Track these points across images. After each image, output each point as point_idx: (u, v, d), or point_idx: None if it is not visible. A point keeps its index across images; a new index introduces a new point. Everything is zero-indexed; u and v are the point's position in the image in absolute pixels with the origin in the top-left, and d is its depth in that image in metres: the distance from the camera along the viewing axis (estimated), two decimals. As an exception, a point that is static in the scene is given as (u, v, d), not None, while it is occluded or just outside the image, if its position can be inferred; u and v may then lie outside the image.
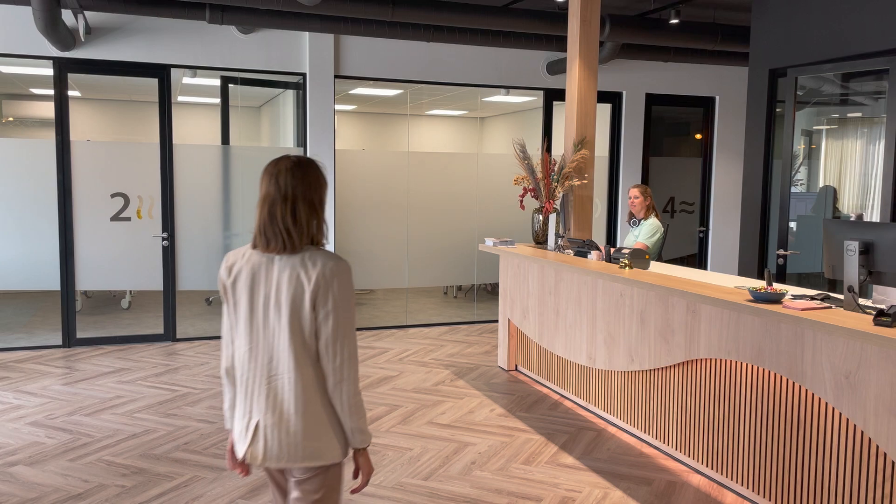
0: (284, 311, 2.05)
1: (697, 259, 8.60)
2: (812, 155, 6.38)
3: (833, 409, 3.04)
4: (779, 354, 3.25)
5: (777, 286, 3.65)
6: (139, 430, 4.48)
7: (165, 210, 6.62)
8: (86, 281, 6.52)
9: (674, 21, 6.32)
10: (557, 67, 7.55)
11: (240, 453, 2.12)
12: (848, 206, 6.15)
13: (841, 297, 3.56)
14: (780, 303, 3.20)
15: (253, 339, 2.10)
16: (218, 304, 8.02)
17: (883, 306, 3.13)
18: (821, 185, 6.42)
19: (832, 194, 6.55)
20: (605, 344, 4.57)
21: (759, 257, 6.32)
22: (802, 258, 5.92)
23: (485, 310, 8.21)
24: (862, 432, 2.92)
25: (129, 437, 4.36)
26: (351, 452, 2.28)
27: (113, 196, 6.51)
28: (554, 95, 7.80)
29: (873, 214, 5.90)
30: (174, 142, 6.63)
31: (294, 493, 2.14)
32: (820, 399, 3.10)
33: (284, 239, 2.07)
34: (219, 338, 6.94)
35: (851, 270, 3.13)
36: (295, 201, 2.07)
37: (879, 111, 6.54)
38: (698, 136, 8.87)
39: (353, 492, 2.19)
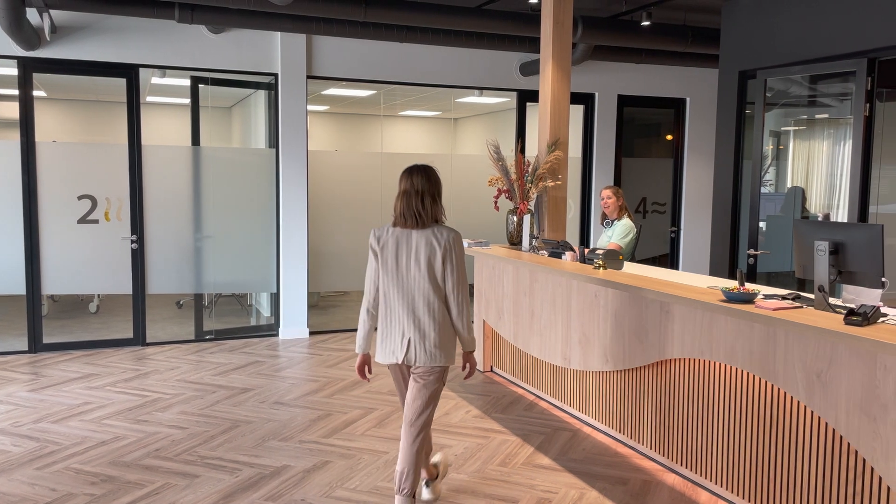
0: (423, 266, 3.16)
1: (669, 259, 8.68)
2: (780, 156, 6.47)
3: (805, 407, 3.08)
4: (751, 354, 3.28)
5: (749, 286, 3.69)
6: (108, 436, 4.39)
7: (134, 212, 6.51)
8: (52, 285, 6.38)
9: (645, 23, 6.37)
10: (530, 69, 7.57)
11: (390, 360, 3.22)
12: (815, 206, 6.25)
13: (811, 296, 3.61)
14: (753, 303, 3.23)
15: (399, 286, 3.19)
16: (188, 308, 7.90)
17: (853, 305, 3.17)
18: (788, 185, 6.51)
19: (800, 195, 6.65)
20: (580, 344, 4.58)
21: (729, 257, 6.39)
22: (772, 257, 6.00)
23: (459, 311, 8.19)
24: (833, 430, 2.96)
25: (97, 444, 4.27)
26: (462, 357, 3.36)
27: (80, 198, 6.38)
28: (527, 96, 7.82)
29: (839, 214, 6.01)
30: (143, 143, 6.52)
31: (419, 383, 3.20)
32: (792, 398, 3.14)
33: (417, 219, 3.18)
34: (190, 341, 6.84)
35: (822, 270, 3.17)
36: (423, 195, 3.19)
37: (845, 112, 6.66)
38: (669, 137, 8.96)
39: (466, 378, 3.35)
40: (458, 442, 4.34)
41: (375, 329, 3.34)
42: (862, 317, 2.78)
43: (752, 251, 5.91)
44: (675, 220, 8.61)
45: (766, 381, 3.26)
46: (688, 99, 8.45)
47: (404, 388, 3.33)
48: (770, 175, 6.48)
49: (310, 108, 10.19)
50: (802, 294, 3.61)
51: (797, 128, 6.63)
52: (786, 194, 6.65)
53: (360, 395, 5.25)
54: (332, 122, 11.18)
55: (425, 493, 3.53)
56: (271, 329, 7.19)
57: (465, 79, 7.53)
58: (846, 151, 6.35)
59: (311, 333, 7.21)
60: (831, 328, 2.77)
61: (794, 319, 2.92)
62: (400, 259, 3.19)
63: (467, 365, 3.34)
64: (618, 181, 8.23)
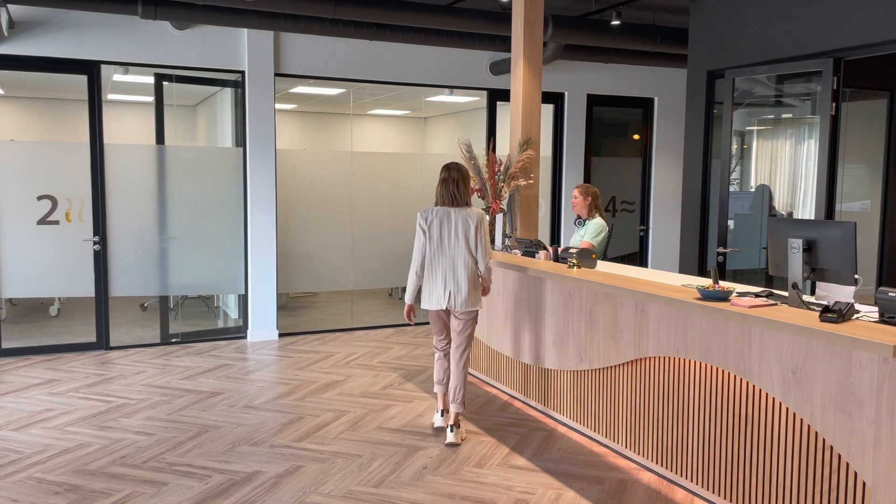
0: (461, 238, 4.28)
1: (638, 257, 8.74)
2: (744, 155, 6.55)
3: (780, 404, 3.09)
4: (726, 351, 3.29)
5: (723, 284, 3.70)
6: (72, 444, 4.25)
7: (96, 213, 6.33)
8: (11, 288, 6.18)
9: (615, 22, 6.39)
10: (501, 67, 7.55)
11: (436, 306, 4.36)
12: (779, 204, 6.35)
13: (785, 293, 3.64)
14: (728, 301, 3.24)
15: (443, 252, 4.30)
16: (153, 311, 7.71)
17: (825, 302, 3.20)
18: (752, 184, 6.59)
19: (767, 193, 6.74)
20: (555, 344, 4.56)
21: (699, 255, 6.45)
22: (740, 255, 6.07)
23: (430, 311, 8.15)
24: (809, 426, 2.98)
25: (61, 452, 4.13)
26: (482, 292, 4.47)
27: (40, 198, 6.18)
28: (498, 96, 7.80)
29: (802, 212, 6.12)
30: (105, 141, 6.34)
31: (461, 321, 4.36)
32: (767, 395, 3.15)
33: (454, 199, 4.31)
34: (155, 345, 6.67)
35: (795, 267, 3.19)
36: (458, 182, 4.32)
37: (807, 112, 6.77)
38: (636, 137, 9.03)
39: (483, 295, 4.48)
40: (434, 444, 4.29)
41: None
42: (837, 314, 2.80)
43: (721, 249, 5.97)
44: (644, 218, 8.67)
45: (741, 379, 3.27)
46: (656, 98, 8.51)
47: (443, 328, 4.51)
48: (735, 174, 6.56)
49: (278, 106, 10.06)
50: (776, 292, 3.64)
51: (761, 127, 6.72)
52: (753, 193, 6.73)
53: (332, 397, 5.17)
54: (301, 121, 11.04)
55: (453, 437, 4.29)
56: (239, 331, 7.06)
57: (436, 77, 7.48)
58: (809, 150, 6.47)
59: (281, 335, 7.10)
60: (807, 325, 2.78)
61: (770, 317, 2.93)
62: (444, 232, 4.31)
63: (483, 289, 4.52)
64: (587, 180, 8.26)
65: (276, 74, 6.83)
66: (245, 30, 6.63)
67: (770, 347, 3.07)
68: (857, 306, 3.03)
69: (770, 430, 3.15)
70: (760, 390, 3.18)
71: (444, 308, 4.33)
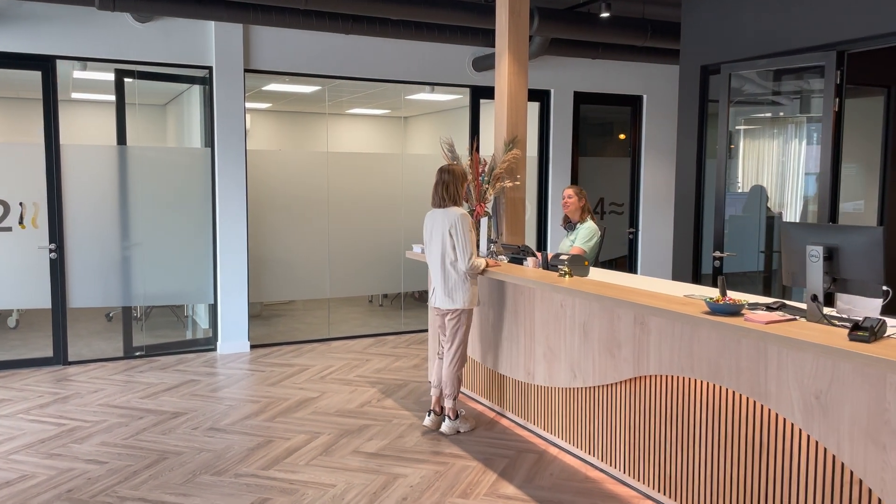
0: (440, 237, 4.38)
1: (628, 261, 8.43)
2: (731, 155, 6.30)
3: (801, 431, 2.77)
4: (739, 372, 2.96)
5: (732, 295, 3.37)
6: (14, 475, 3.84)
7: (53, 218, 5.90)
8: (-41, 300, 5.74)
9: (604, 14, 6.06)
10: (484, 63, 7.21)
11: (431, 304, 4.54)
12: (770, 205, 6.13)
13: (799, 305, 3.32)
14: (741, 315, 2.91)
15: (430, 252, 4.47)
16: (118, 321, 7.28)
17: (848, 316, 2.88)
18: (739, 184, 6.33)
19: (763, 194, 6.45)
20: (545, 358, 4.22)
21: (693, 259, 6.14)
22: (734, 258, 5.76)
23: (413, 318, 7.79)
24: (834, 457, 2.65)
25: (1, 484, 3.72)
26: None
27: (-10, 203, 5.75)
28: (481, 93, 7.45)
29: (791, 213, 5.89)
30: (62, 142, 5.92)
31: (447, 325, 4.40)
32: (786, 420, 2.82)
33: (440, 201, 4.40)
34: (118, 359, 6.25)
35: (815, 278, 2.86)
36: (447, 185, 4.38)
37: (796, 111, 6.51)
38: (622, 137, 8.73)
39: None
40: (414, 471, 3.92)
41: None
42: (868, 332, 2.47)
43: (717, 253, 5.66)
44: (633, 221, 8.36)
45: (755, 402, 2.94)
46: (645, 96, 8.21)
47: (436, 327, 4.71)
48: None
49: (251, 105, 9.64)
50: (788, 303, 3.32)
51: (749, 127, 6.46)
52: (748, 194, 6.45)
53: (304, 417, 4.79)
54: (275, 121, 10.62)
55: (444, 427, 4.44)
56: (209, 343, 6.65)
57: (416, 74, 7.12)
58: (798, 150, 6.24)
59: (253, 347, 6.70)
60: (836, 346, 2.45)
61: (791, 335, 2.60)
62: (432, 233, 4.46)
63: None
64: (575, 180, 7.93)
65: (246, 70, 6.43)
66: (212, 22, 6.23)
67: (790, 368, 2.75)
68: (890, 321, 2.70)
69: (789, 459, 2.82)
70: (777, 415, 2.85)
71: (433, 306, 4.51)
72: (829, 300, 3.04)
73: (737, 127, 6.34)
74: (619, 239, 8.37)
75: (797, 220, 6.14)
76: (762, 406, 2.92)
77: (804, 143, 6.23)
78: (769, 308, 3.18)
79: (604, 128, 8.95)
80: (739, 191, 6.23)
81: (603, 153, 8.76)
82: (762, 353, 2.85)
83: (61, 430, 4.52)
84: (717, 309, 2.93)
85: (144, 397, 5.20)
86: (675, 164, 6.24)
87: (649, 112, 8.23)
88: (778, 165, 6.44)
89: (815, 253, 2.84)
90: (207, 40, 6.29)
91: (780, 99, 6.30)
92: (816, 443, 2.71)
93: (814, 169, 6.33)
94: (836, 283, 2.88)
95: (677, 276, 6.20)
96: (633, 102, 8.23)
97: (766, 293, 5.95)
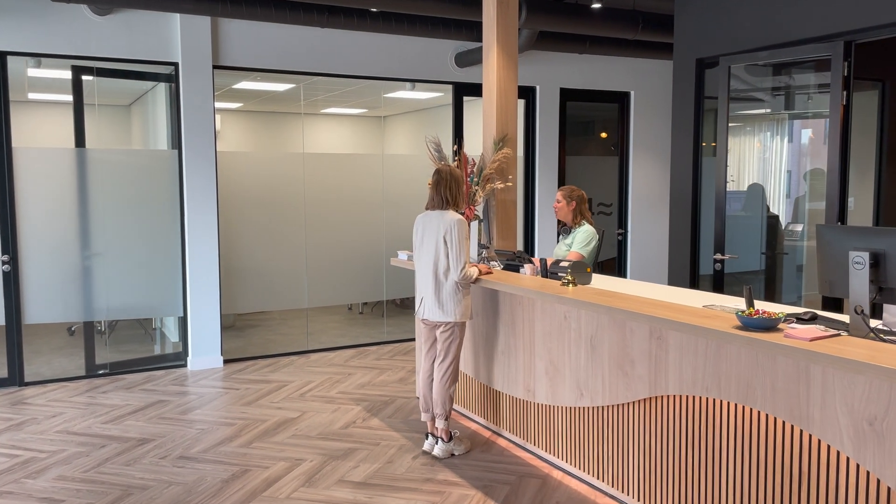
0: (432, 243, 4.03)
1: (617, 264, 8.15)
2: (715, 153, 6.07)
3: (849, 460, 2.46)
4: (774, 393, 2.65)
5: (763, 306, 3.07)
6: (-43, 519, 3.42)
7: (5, 227, 5.44)
8: None
9: (596, 6, 5.75)
10: (468, 59, 6.87)
11: (418, 316, 4.15)
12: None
13: (830, 315, 3.02)
14: (779, 330, 2.60)
15: (420, 258, 4.13)
16: (79, 335, 6.80)
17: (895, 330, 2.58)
18: (731, 182, 6.10)
19: (761, 193, 6.21)
20: (547, 374, 3.88)
21: (691, 262, 5.86)
22: (733, 260, 5.49)
23: (396, 327, 7.42)
24: (890, 490, 2.35)
25: (-60, 532, 3.29)
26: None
27: (-66, 212, 5.28)
28: (464, 90, 7.11)
29: (782, 213, 5.70)
30: (13, 145, 5.46)
31: (439, 338, 4.08)
32: (829, 447, 2.51)
33: (440, 202, 4.04)
34: (80, 377, 5.80)
35: (860, 287, 2.56)
36: (449, 184, 4.04)
37: (779, 107, 6.29)
38: (603, 135, 8.45)
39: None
40: (407, 502, 3.56)
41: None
42: (934, 350, 2.17)
43: (718, 255, 5.37)
44: (622, 221, 8.08)
45: (794, 427, 2.63)
46: (632, 93, 7.93)
47: (424, 342, 4.23)
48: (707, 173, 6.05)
49: (221, 105, 9.19)
50: (820, 313, 3.02)
51: (732, 124, 6.25)
52: (747, 193, 6.20)
53: (284, 440, 4.40)
54: (247, 121, 10.18)
55: (436, 450, 4.09)
56: (179, 358, 6.22)
57: (396, 70, 6.75)
58: (781, 148, 6.05)
59: (227, 361, 6.28)
60: (899, 367, 2.14)
61: (844, 354, 2.29)
62: (424, 237, 4.08)
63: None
64: (562, 181, 7.63)
65: (215, 67, 6.02)
66: (178, 15, 5.81)
67: (837, 391, 2.44)
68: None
69: (834, 492, 2.51)
70: (819, 441, 2.55)
71: (420, 317, 4.16)
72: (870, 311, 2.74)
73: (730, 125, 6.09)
74: (608, 240, 8.08)
75: (875, 227, 5.91)
76: (801, 431, 2.61)
77: (787, 140, 6.07)
78: (801, 320, 2.88)
79: (588, 126, 8.67)
80: (730, 189, 5.99)
81: (590, 151, 8.47)
82: (803, 372, 2.54)
83: (14, 463, 4.08)
84: (750, 323, 2.62)
85: (107, 422, 4.77)
86: (670, 162, 5.96)
87: (637, 109, 7.96)
88: (759, 163, 6.25)
89: (860, 259, 2.54)
90: (173, 34, 5.86)
91: (763, 95, 6.09)
92: (868, 473, 2.40)
93: (797, 167, 6.13)
94: (883, 292, 2.58)
95: (674, 279, 5.92)
96: (621, 99, 7.94)
97: (769, 297, 5.69)
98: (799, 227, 5.88)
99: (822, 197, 5.88)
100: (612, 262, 8.17)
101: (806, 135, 6.21)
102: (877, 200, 6.99)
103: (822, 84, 5.71)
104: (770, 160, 6.21)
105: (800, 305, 5.20)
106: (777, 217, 6.04)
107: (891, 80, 6.62)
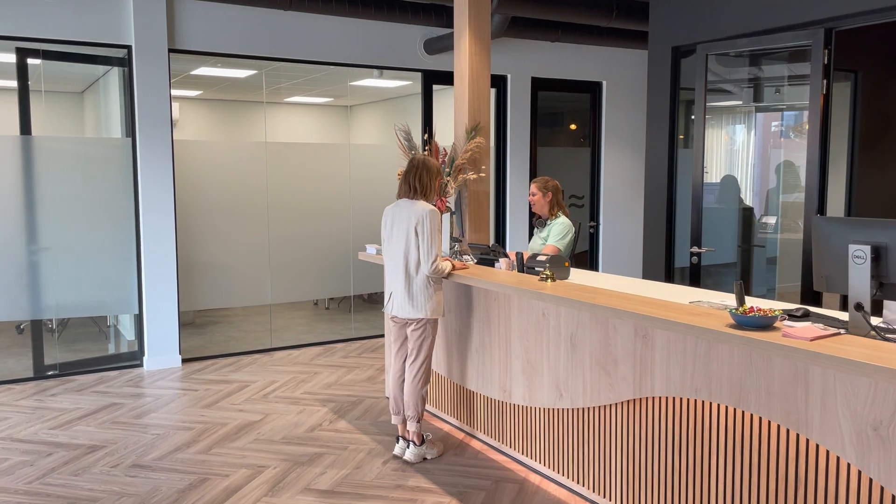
0: (402, 234, 3.81)
1: (589, 257, 8.01)
2: (687, 144, 5.97)
3: (850, 466, 2.32)
4: (770, 396, 2.50)
5: (754, 303, 2.91)
6: None
7: (-57, 220, 5.08)
8: None
9: (570, -9, 5.57)
10: (438, 45, 6.64)
11: (388, 313, 3.93)
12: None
13: (822, 311, 2.88)
14: (776, 329, 2.44)
15: (389, 250, 3.90)
16: (27, 335, 6.44)
17: (896, 327, 2.44)
18: (706, 174, 6.02)
19: (735, 185, 6.12)
20: (524, 374, 3.70)
21: (666, 255, 5.73)
22: (707, 253, 5.38)
23: (363, 323, 7.19)
24: (894, 499, 2.21)
25: None
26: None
27: None
28: (434, 78, 6.88)
29: (754, 204, 5.63)
30: (-48, 131, 5.10)
31: (410, 336, 3.87)
32: (829, 453, 2.37)
33: (409, 190, 3.83)
34: (28, 379, 5.46)
35: (860, 283, 2.41)
36: (420, 172, 3.82)
37: (748, 99, 6.20)
38: (573, 127, 8.31)
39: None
40: (378, 511, 3.35)
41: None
42: (946, 351, 2.03)
43: (695, 249, 5.25)
44: (594, 214, 7.94)
45: (791, 432, 2.48)
46: (604, 82, 7.78)
47: (395, 339, 3.99)
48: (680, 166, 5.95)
49: (179, 92, 8.81)
50: (812, 309, 2.88)
51: (708, 116, 6.16)
52: (720, 185, 6.10)
53: (245, 446, 4.15)
54: (207, 110, 9.81)
55: (408, 454, 3.88)
56: (134, 358, 5.91)
57: (362, 56, 6.50)
58: (748, 141, 6.00)
59: (185, 361, 5.98)
60: (910, 369, 2.00)
61: (845, 355, 2.14)
62: (394, 229, 3.84)
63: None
64: (534, 172, 7.46)
65: (171, 50, 5.70)
66: (130, -5, 5.48)
67: (838, 394, 2.29)
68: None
69: (835, 501, 2.37)
70: (819, 447, 2.40)
71: (390, 314, 3.93)
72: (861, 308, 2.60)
73: (692, 116, 5.99)
74: (581, 233, 7.93)
75: (875, 219, 5.84)
76: (797, 435, 2.46)
77: (752, 132, 6.01)
78: (793, 317, 2.74)
79: (558, 117, 8.50)
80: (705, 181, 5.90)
81: (560, 143, 8.31)
82: (801, 373, 2.39)
83: (-50, 475, 3.77)
84: (746, 322, 2.46)
85: (55, 427, 4.47)
86: (645, 153, 5.83)
87: (609, 99, 7.81)
88: (726, 156, 6.18)
89: (861, 253, 2.39)
90: (125, 15, 5.53)
91: (730, 87, 6.00)
92: (871, 481, 2.26)
93: (761, 160, 6.06)
94: (884, 288, 2.44)
95: (648, 272, 5.80)
96: (593, 89, 7.79)
97: (746, 290, 5.59)
98: (772, 220, 5.80)
99: (794, 189, 5.82)
100: (584, 255, 8.03)
101: (775, 127, 6.14)
102: (848, 193, 6.95)
103: (794, 76, 5.64)
104: (738, 153, 6.14)
105: (772, 298, 5.11)
106: (752, 209, 5.96)
107: (864, 71, 6.56)
